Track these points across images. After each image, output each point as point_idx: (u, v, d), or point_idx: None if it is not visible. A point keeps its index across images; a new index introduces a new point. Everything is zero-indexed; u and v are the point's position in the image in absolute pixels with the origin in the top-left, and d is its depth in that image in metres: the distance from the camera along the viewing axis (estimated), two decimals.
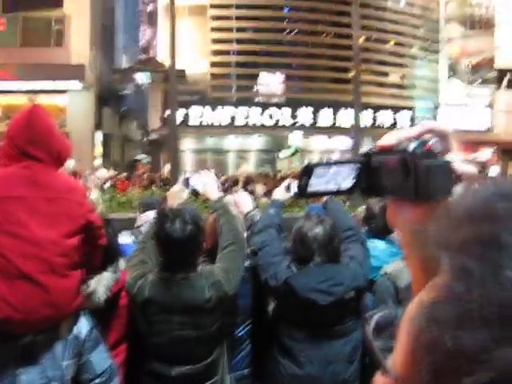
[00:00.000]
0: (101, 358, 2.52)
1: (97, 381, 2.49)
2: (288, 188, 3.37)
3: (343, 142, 26.98)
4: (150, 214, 4.34)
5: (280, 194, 3.36)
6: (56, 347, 2.38)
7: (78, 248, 2.47)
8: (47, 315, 2.32)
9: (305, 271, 2.75)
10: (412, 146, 0.72)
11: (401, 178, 0.72)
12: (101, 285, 2.63)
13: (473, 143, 27.46)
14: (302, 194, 0.84)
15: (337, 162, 0.82)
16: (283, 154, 28.35)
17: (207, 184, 3.21)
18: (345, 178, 0.82)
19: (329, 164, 0.83)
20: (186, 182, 3.33)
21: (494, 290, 0.43)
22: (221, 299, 2.60)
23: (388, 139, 0.75)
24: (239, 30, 31.53)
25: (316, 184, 0.82)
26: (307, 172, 0.82)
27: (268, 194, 10.06)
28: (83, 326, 2.49)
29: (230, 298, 2.66)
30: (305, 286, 2.67)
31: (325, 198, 3.23)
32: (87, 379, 2.49)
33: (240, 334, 2.98)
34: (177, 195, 3.22)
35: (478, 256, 0.45)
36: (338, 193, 0.86)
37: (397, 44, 34.26)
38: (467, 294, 0.44)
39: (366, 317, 0.64)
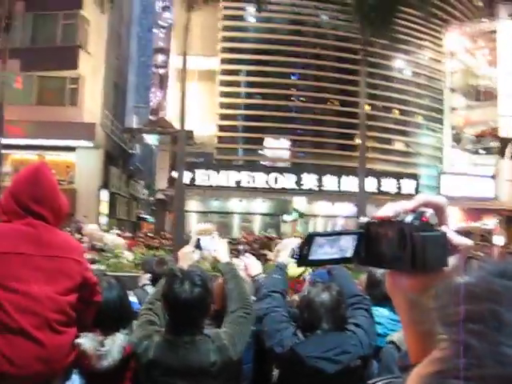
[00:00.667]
0: None
1: None
2: (292, 253, 3.33)
3: (347, 208, 27.08)
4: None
5: (284, 257, 3.35)
6: None
7: (73, 305, 2.49)
8: (40, 371, 2.32)
9: (312, 339, 2.72)
10: (409, 218, 0.75)
11: (398, 248, 0.75)
12: (115, 345, 2.64)
13: (476, 211, 27.53)
14: (303, 262, 0.86)
15: (337, 233, 0.85)
16: (287, 217, 28.42)
17: (218, 247, 3.22)
18: (345, 247, 0.84)
19: (329, 234, 0.85)
20: (198, 244, 3.35)
21: (493, 369, 0.43)
22: (226, 364, 2.56)
23: (385, 211, 0.78)
24: (247, 95, 32.19)
25: (317, 253, 0.85)
26: (308, 241, 0.84)
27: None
28: (74, 383, 2.50)
29: (234, 363, 2.62)
30: (312, 354, 2.63)
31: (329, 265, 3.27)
32: None
33: None
34: (188, 256, 3.22)
35: (478, 333, 0.45)
36: (338, 261, 0.88)
37: (402, 112, 34.82)
38: (466, 372, 0.44)
39: None
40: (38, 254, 2.40)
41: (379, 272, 3.53)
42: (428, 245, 0.72)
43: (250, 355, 2.95)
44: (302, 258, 0.86)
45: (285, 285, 3.16)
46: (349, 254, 0.85)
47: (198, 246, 3.35)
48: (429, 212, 0.76)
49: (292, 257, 3.34)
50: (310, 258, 0.85)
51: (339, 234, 0.85)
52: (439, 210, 0.77)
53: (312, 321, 2.76)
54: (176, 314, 2.58)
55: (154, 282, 4.06)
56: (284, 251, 3.42)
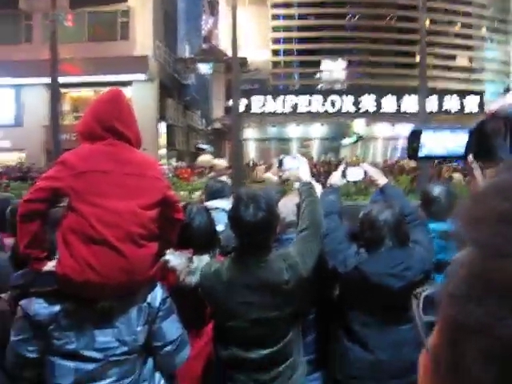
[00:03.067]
0: (172, 327, 2.60)
1: (167, 348, 2.58)
2: (343, 174, 3.31)
3: (408, 129, 26.49)
4: (217, 203, 4.34)
5: (336, 179, 3.32)
6: (131, 313, 2.49)
7: (155, 220, 2.58)
8: (123, 281, 2.43)
9: (376, 256, 2.71)
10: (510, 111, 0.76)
11: (503, 140, 0.75)
12: (202, 263, 2.77)
13: None
14: (414, 157, 0.92)
15: (445, 129, 0.89)
16: (346, 141, 28.09)
17: (301, 166, 3.20)
18: (455, 144, 0.87)
19: (436, 129, 0.90)
20: (280, 163, 3.35)
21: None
22: (298, 281, 2.60)
23: (494, 105, 0.79)
24: (300, 16, 31.33)
25: (426, 149, 0.89)
26: (416, 136, 0.90)
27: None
28: (158, 295, 2.58)
29: (305, 280, 2.65)
30: (377, 271, 2.65)
31: (382, 183, 3.20)
32: (158, 346, 2.58)
33: (307, 319, 2.94)
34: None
35: (496, 231, 0.41)
36: (449, 157, 0.93)
37: (464, 26, 33.21)
38: (485, 269, 0.41)
39: (416, 293, 0.60)
40: (119, 171, 2.51)
41: (435, 190, 3.45)
42: None
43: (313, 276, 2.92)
44: (411, 153, 0.92)
45: (339, 205, 3.13)
46: (461, 150, 0.87)
47: (280, 166, 3.40)
48: None
49: (344, 177, 3.32)
50: (420, 154, 0.91)
51: (448, 129, 0.89)
52: None
53: (375, 239, 2.73)
54: (243, 236, 2.61)
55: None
56: (336, 172, 3.37)
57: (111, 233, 2.40)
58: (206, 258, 2.82)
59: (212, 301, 2.67)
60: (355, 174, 3.35)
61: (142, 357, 2.57)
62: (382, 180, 3.24)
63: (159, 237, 2.62)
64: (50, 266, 2.44)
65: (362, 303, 2.78)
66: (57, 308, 2.40)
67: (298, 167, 3.22)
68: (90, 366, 2.41)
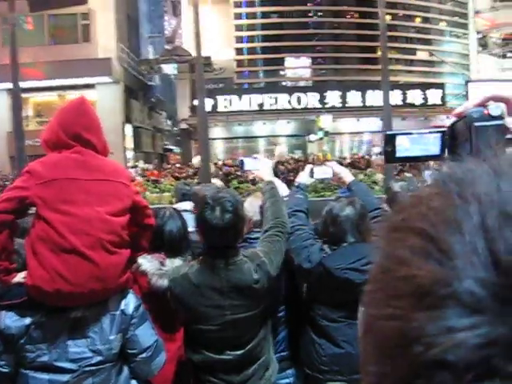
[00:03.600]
0: (146, 334, 2.62)
1: (142, 355, 2.59)
2: (311, 172, 3.37)
3: (373, 123, 26.75)
4: (185, 205, 4.36)
5: (304, 178, 3.37)
6: (104, 321, 2.50)
7: (125, 227, 2.60)
8: (95, 289, 2.43)
9: (338, 251, 2.78)
10: (471, 112, 0.83)
11: (466, 141, 0.82)
12: (174, 266, 2.79)
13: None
14: (391, 160, 0.95)
15: (417, 132, 0.93)
16: (313, 137, 28.25)
17: (263, 166, 3.29)
18: (432, 145, 0.91)
19: (409, 133, 0.93)
20: (241, 164, 3.41)
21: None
22: (267, 280, 2.66)
23: (459, 108, 0.87)
24: (263, 15, 31.39)
25: (402, 150, 0.93)
26: (390, 140, 0.93)
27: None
28: (130, 302, 2.60)
29: (273, 278, 2.71)
30: (340, 265, 2.70)
31: (348, 181, 3.27)
32: (133, 353, 2.60)
33: (277, 317, 3.00)
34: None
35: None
36: (426, 158, 0.95)
37: (424, 20, 33.68)
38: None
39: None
40: (87, 178, 2.52)
41: (396, 185, 3.53)
42: (480, 133, 0.80)
43: (281, 273, 2.99)
44: (388, 156, 0.95)
45: (307, 204, 3.18)
46: (437, 151, 0.92)
47: (241, 167, 3.46)
48: (492, 105, 0.84)
49: (311, 176, 3.38)
50: (397, 155, 0.94)
51: (420, 132, 0.94)
52: (505, 103, 0.85)
53: (337, 234, 2.80)
54: (211, 239, 2.64)
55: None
56: (303, 171, 3.44)
57: (81, 241, 2.40)
58: (177, 262, 2.85)
59: (182, 305, 2.66)
60: (323, 173, 3.42)
61: (118, 365, 2.57)
62: (348, 177, 3.34)
63: (130, 243, 2.63)
64: (20, 277, 2.43)
65: (327, 298, 2.84)
66: (28, 320, 2.40)
67: (258, 168, 3.29)
68: (65, 378, 2.41)
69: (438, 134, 0.92)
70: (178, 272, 2.68)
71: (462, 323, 0.34)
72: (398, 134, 0.94)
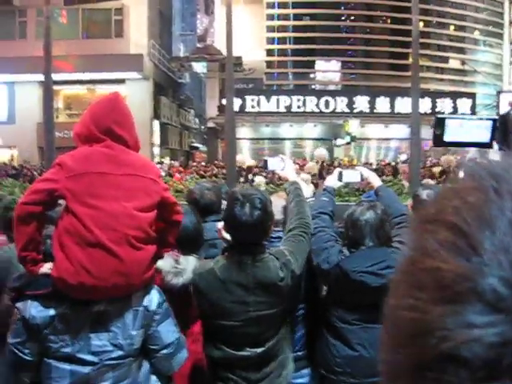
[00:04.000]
0: (169, 331, 2.62)
1: (164, 351, 2.60)
2: (340, 176, 3.37)
3: (401, 130, 26.55)
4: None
5: (332, 181, 3.38)
6: (127, 316, 2.51)
7: (152, 223, 2.60)
8: (118, 284, 2.44)
9: (356, 254, 2.79)
10: None
11: None
12: (189, 264, 2.79)
13: None
14: (439, 143, 0.97)
15: (469, 118, 0.92)
16: (340, 141, 28.14)
17: (286, 166, 3.30)
18: (481, 132, 0.93)
19: (461, 118, 0.92)
20: (265, 164, 3.42)
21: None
22: (292, 278, 2.68)
23: None
24: (295, 17, 31.35)
25: (451, 135, 0.97)
26: (440, 123, 0.96)
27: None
28: (154, 298, 2.60)
29: (297, 277, 2.74)
30: (356, 268, 2.71)
31: (376, 185, 3.27)
32: (154, 349, 2.60)
33: (295, 316, 3.01)
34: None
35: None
36: (475, 145, 0.96)
37: (458, 28, 33.31)
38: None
39: None
40: (117, 172, 2.52)
41: (425, 193, 3.50)
42: None
43: (302, 273, 3.01)
44: (436, 139, 0.99)
45: (333, 207, 3.18)
46: (486, 139, 0.96)
47: (265, 167, 3.49)
48: None
49: (340, 180, 3.38)
50: (445, 139, 0.97)
51: (473, 119, 0.93)
52: None
53: (357, 238, 2.82)
54: (238, 235, 2.66)
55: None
56: (332, 175, 3.43)
57: (107, 235, 2.41)
58: (192, 259, 2.84)
59: (205, 300, 2.67)
60: (351, 177, 3.43)
61: (138, 360, 2.59)
62: (376, 182, 3.34)
63: (157, 239, 2.63)
64: (46, 268, 2.45)
65: (344, 300, 2.85)
66: (52, 311, 2.42)
67: (282, 168, 3.29)
68: (86, 370, 2.43)
69: (490, 122, 0.93)
70: (204, 267, 2.70)
71: (481, 320, 0.34)
72: (448, 118, 0.97)
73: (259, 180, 11.66)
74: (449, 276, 0.36)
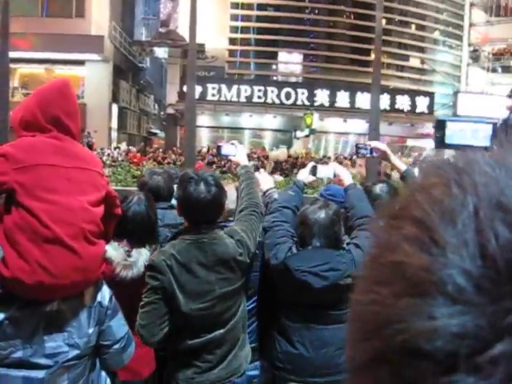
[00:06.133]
0: (119, 325, 2.58)
1: (116, 346, 2.56)
2: (313, 170, 3.38)
3: (359, 125, 26.85)
4: None
5: (304, 175, 3.39)
6: (81, 315, 2.43)
7: (101, 217, 2.54)
8: (77, 281, 2.36)
9: (302, 253, 2.79)
10: None
11: None
12: (141, 257, 2.78)
13: None
14: (441, 145, 1.00)
15: (469, 121, 0.94)
16: (299, 134, 28.29)
17: (239, 151, 3.34)
18: (482, 135, 0.95)
19: (461, 120, 0.96)
20: (219, 151, 3.46)
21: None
22: (247, 254, 2.73)
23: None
24: (260, 7, 31.28)
25: (452, 137, 0.99)
26: (441, 125, 0.98)
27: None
28: (105, 293, 2.55)
29: (252, 254, 2.78)
30: (300, 267, 2.71)
31: (347, 183, 3.27)
32: (107, 345, 2.55)
33: (249, 308, 3.00)
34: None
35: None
36: (476, 147, 0.97)
37: (419, 28, 33.82)
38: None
39: None
40: (68, 165, 2.43)
41: (378, 188, 3.52)
42: None
43: (258, 265, 3.01)
44: (438, 141, 1.00)
45: (298, 201, 3.17)
46: (486, 142, 0.98)
47: (219, 153, 3.51)
48: None
49: (313, 174, 3.39)
50: (446, 141, 1.00)
51: (473, 121, 0.97)
52: None
53: (305, 237, 2.82)
54: (196, 214, 2.67)
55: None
56: (304, 169, 3.45)
57: (64, 230, 2.32)
58: (144, 252, 2.83)
59: (170, 288, 2.60)
60: (325, 172, 3.43)
61: (91, 358, 2.52)
62: (347, 180, 3.33)
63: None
64: None
65: (288, 298, 2.87)
66: (1, 316, 2.27)
67: (235, 154, 3.33)
68: (40, 374, 2.31)
69: (490, 125, 0.95)
70: (161, 256, 2.63)
71: (442, 312, 0.35)
72: (448, 120, 0.99)
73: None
74: (411, 269, 0.37)
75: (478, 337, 0.33)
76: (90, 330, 2.45)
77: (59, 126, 2.49)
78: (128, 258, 2.71)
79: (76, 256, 2.34)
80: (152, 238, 2.97)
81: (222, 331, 2.69)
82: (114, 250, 2.70)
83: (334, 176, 3.40)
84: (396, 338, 0.36)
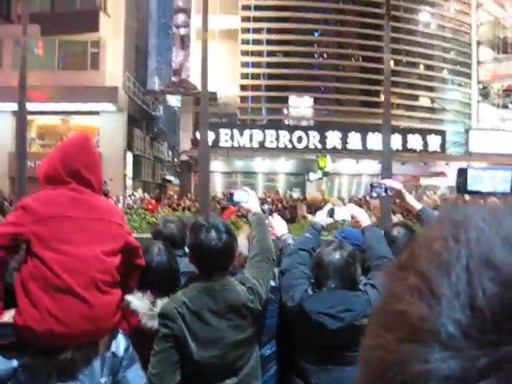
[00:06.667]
0: (136, 376, 2.55)
1: None
2: (331, 213, 3.36)
3: (372, 166, 26.90)
4: None
5: (321, 217, 3.37)
6: (94, 364, 2.43)
7: (118, 267, 2.57)
8: (87, 330, 2.38)
9: (317, 295, 2.78)
10: None
11: None
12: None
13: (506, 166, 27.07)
14: (463, 191, 1.03)
15: (489, 168, 0.98)
16: (312, 176, 28.36)
17: (251, 198, 3.34)
18: (501, 181, 0.97)
19: (482, 168, 0.99)
20: (231, 197, 3.45)
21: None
22: (259, 302, 2.71)
23: None
24: (270, 53, 31.84)
25: (474, 184, 1.01)
26: (462, 173, 1.01)
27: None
28: (121, 343, 2.55)
29: (264, 301, 2.76)
30: (316, 309, 2.69)
31: (364, 225, 3.26)
32: None
33: (267, 354, 2.99)
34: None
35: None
36: (495, 194, 1.01)
37: (427, 67, 34.15)
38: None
39: None
40: (84, 216, 2.49)
41: (395, 230, 3.46)
42: None
43: (273, 310, 3.01)
44: (460, 188, 1.06)
45: (315, 243, 3.16)
46: (507, 188, 1.00)
47: (231, 200, 3.50)
48: None
49: (331, 216, 3.36)
50: (469, 188, 1.05)
51: (494, 168, 1.01)
52: None
53: (320, 278, 2.80)
54: (207, 261, 2.66)
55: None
56: (322, 211, 3.42)
57: (75, 280, 2.36)
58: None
59: (182, 336, 2.58)
60: (342, 214, 3.41)
61: None
62: (365, 222, 3.32)
63: (121, 283, 2.61)
64: (8, 317, 2.36)
65: (305, 340, 2.84)
66: (15, 363, 2.30)
67: (247, 200, 3.33)
68: None
69: (510, 172, 0.96)
70: (171, 304, 2.64)
71: (435, 357, 0.39)
72: (469, 168, 1.02)
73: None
74: (412, 318, 0.41)
75: (464, 378, 0.38)
76: (103, 380, 2.44)
77: (79, 179, 2.57)
78: (153, 309, 2.71)
79: (87, 305, 2.37)
80: (174, 287, 2.94)
81: (234, 380, 2.65)
82: (139, 301, 2.71)
83: (352, 218, 3.39)
84: (396, 378, 0.40)
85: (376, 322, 0.46)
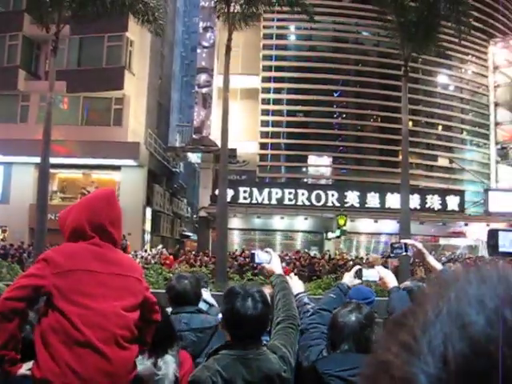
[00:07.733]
0: None
1: None
2: (358, 274, 3.38)
3: (390, 225, 26.79)
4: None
5: (349, 278, 3.39)
6: None
7: (136, 322, 2.58)
8: None
9: (330, 357, 2.76)
10: None
11: None
12: (170, 368, 2.73)
13: None
14: (495, 253, 1.05)
15: None
16: (330, 235, 28.28)
17: (273, 259, 3.32)
18: None
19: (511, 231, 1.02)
20: (253, 257, 3.42)
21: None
22: (290, 370, 2.68)
23: None
24: (289, 113, 32.32)
25: (505, 246, 1.04)
26: (493, 235, 1.05)
27: None
28: None
29: (292, 369, 2.73)
30: (328, 371, 2.66)
31: (391, 286, 3.30)
32: None
33: None
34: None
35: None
36: None
37: (445, 128, 34.36)
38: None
39: None
40: (105, 271, 2.52)
41: (413, 284, 3.49)
42: None
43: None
44: (492, 249, 1.07)
45: (339, 304, 3.11)
46: None
47: (252, 261, 3.47)
48: None
49: (359, 278, 3.39)
50: (500, 250, 1.07)
51: None
52: None
53: (334, 340, 2.77)
54: (242, 329, 2.62)
55: (172, 301, 3.65)
56: (350, 272, 3.44)
57: (96, 335, 2.37)
58: (170, 360, 2.78)
59: None
60: (370, 275, 3.45)
61: None
62: (392, 283, 3.37)
63: (137, 339, 2.60)
64: (25, 369, 2.37)
65: None
66: None
67: (269, 261, 3.31)
68: None
69: None
70: (204, 372, 2.55)
71: None
72: (500, 230, 1.05)
73: None
74: (395, 370, 0.48)
75: None
76: None
77: (103, 234, 2.61)
78: (157, 372, 2.68)
79: (106, 360, 2.37)
80: (172, 342, 2.93)
81: None
82: (140, 365, 2.67)
83: (380, 279, 3.40)
84: None
85: (367, 371, 0.52)
